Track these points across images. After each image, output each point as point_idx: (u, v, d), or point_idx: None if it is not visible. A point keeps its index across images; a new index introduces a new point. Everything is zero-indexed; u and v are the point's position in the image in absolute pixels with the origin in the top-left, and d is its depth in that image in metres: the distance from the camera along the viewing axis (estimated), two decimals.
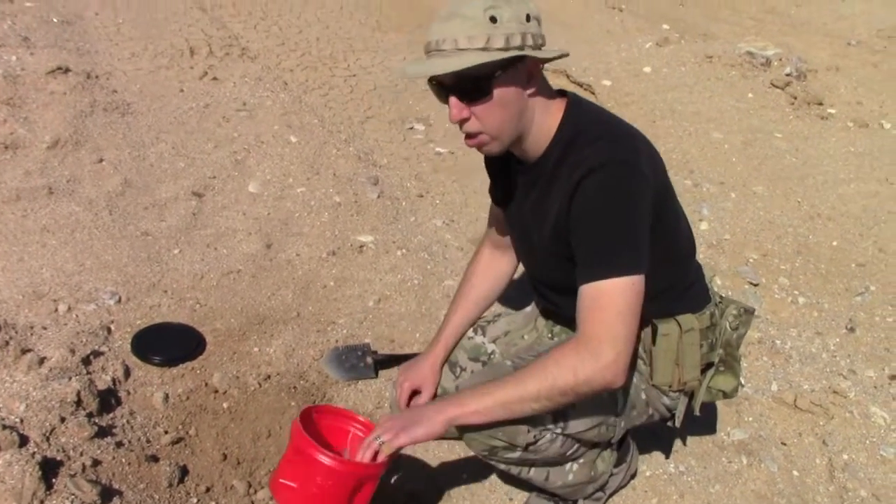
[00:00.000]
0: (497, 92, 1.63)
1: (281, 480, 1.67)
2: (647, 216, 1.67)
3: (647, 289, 1.77)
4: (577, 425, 1.83)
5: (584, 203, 1.65)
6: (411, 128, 4.59)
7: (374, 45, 5.84)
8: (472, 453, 2.32)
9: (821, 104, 5.43)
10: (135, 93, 4.52)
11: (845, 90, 5.74)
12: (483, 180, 3.91)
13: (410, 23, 6.39)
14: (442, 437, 2.30)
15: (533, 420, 1.74)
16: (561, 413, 1.78)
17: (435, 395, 2.18)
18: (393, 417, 1.71)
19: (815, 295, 3.36)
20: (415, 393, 2.18)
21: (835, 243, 3.79)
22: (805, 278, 3.47)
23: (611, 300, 1.61)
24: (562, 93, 1.81)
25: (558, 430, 1.81)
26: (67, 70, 4.45)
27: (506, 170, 1.96)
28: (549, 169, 1.76)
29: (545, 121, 1.74)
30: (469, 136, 1.72)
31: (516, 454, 1.81)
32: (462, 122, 1.69)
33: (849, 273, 3.55)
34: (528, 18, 1.60)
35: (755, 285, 3.36)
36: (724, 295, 2.09)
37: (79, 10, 5.68)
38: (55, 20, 5.34)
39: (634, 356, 1.92)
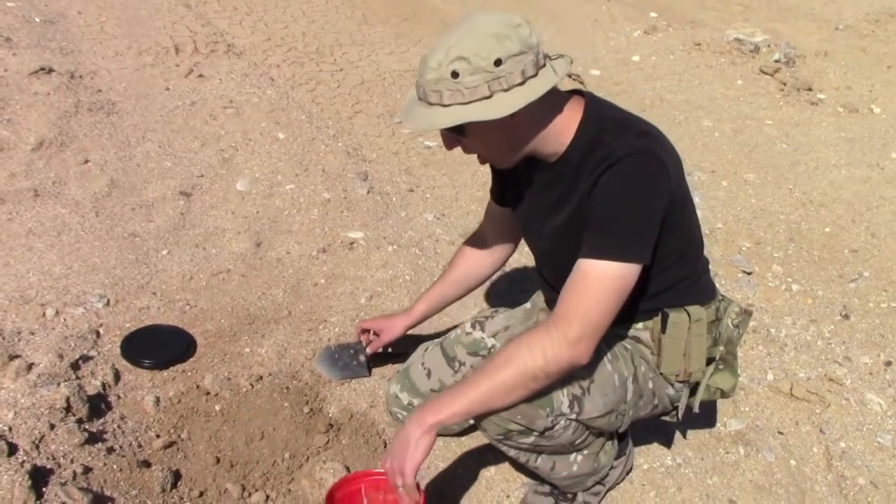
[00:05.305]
0: (472, 131, 1.69)
1: None
2: (661, 211, 1.69)
3: (662, 280, 1.87)
4: (591, 410, 1.84)
5: (603, 188, 1.67)
6: (400, 122, 4.56)
7: (360, 39, 5.80)
8: (467, 450, 2.32)
9: (810, 90, 5.42)
10: (120, 92, 4.47)
11: (834, 75, 5.73)
12: (473, 173, 3.92)
13: (397, 16, 6.35)
14: (440, 434, 2.32)
15: (551, 405, 1.76)
16: (577, 398, 1.80)
17: (388, 346, 2.46)
18: (390, 458, 1.73)
19: (808, 282, 3.35)
20: (368, 332, 2.48)
21: (827, 229, 3.78)
22: (798, 265, 3.46)
23: (596, 283, 1.64)
24: (578, 92, 1.82)
25: (573, 416, 1.81)
26: (51, 70, 4.40)
27: (514, 169, 1.95)
28: (572, 166, 1.77)
29: (557, 127, 1.75)
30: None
31: (531, 439, 1.81)
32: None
33: (842, 259, 3.54)
34: (497, 63, 1.58)
35: (748, 274, 3.35)
36: (724, 295, 2.10)
37: (61, 8, 5.61)
38: (37, 20, 5.27)
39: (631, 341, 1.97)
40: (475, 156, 1.85)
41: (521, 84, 1.61)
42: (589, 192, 1.70)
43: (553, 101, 1.73)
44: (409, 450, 1.66)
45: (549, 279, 2.05)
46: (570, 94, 1.81)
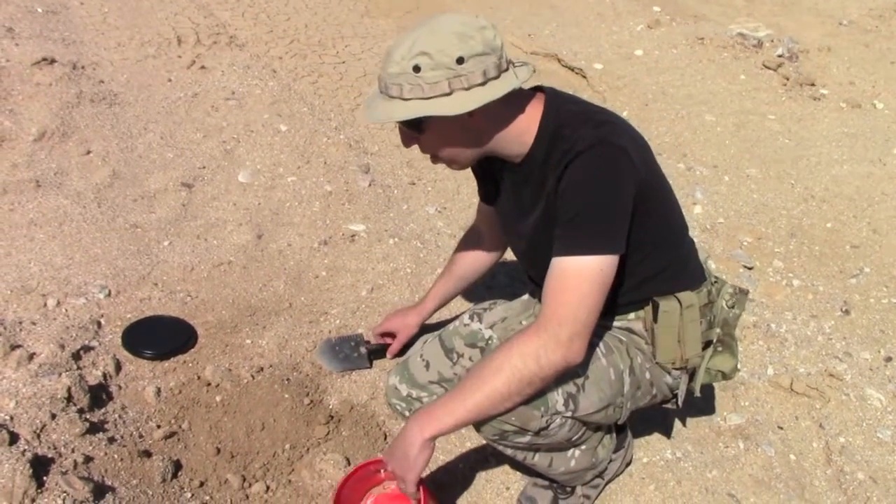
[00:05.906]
0: (430, 128, 1.70)
1: None
2: (630, 198, 1.69)
3: (645, 269, 1.86)
4: (586, 407, 1.83)
5: (568, 183, 1.67)
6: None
7: (363, 32, 5.79)
8: (466, 442, 2.32)
9: (813, 85, 5.41)
10: (122, 83, 4.47)
11: (837, 70, 5.72)
12: None
13: (399, 9, 6.34)
14: None
15: (546, 404, 1.76)
16: (571, 396, 1.80)
17: (403, 348, 2.52)
18: (392, 462, 1.76)
19: (809, 277, 3.34)
20: (388, 335, 2.56)
21: (829, 225, 3.78)
22: (799, 261, 3.46)
23: (577, 281, 1.64)
24: (539, 88, 1.83)
25: (568, 414, 1.81)
26: (53, 61, 4.40)
27: (491, 170, 1.99)
28: (538, 165, 1.78)
29: (518, 128, 1.76)
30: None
31: (526, 438, 1.81)
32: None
33: (843, 255, 3.54)
34: (459, 61, 1.59)
35: (749, 269, 3.35)
36: (717, 276, 2.10)
37: None
38: (40, 10, 5.27)
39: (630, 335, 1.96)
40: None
41: (481, 84, 1.63)
42: (555, 189, 1.71)
43: (515, 103, 1.75)
44: (409, 461, 1.69)
45: (534, 278, 2.07)
46: (533, 92, 1.81)
